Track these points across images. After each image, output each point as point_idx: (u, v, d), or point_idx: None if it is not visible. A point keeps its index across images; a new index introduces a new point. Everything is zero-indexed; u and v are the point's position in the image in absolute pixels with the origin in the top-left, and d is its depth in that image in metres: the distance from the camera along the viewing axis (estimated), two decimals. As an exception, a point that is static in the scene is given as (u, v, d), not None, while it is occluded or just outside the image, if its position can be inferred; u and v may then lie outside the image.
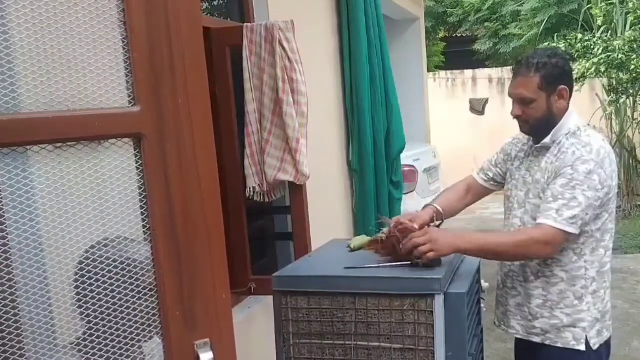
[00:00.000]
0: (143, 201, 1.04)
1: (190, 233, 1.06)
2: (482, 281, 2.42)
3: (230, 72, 2.97)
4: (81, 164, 0.99)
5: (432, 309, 1.90)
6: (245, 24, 2.90)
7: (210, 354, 1.08)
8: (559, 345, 2.10)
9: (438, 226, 2.24)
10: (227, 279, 1.11)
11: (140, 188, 1.03)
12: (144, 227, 1.04)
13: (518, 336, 2.23)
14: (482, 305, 2.37)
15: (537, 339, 2.15)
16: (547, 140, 2.11)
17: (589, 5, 9.44)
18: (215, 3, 3.62)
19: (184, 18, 1.03)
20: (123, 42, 1.00)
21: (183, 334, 1.06)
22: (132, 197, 1.04)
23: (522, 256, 2.08)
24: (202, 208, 1.07)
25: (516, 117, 2.13)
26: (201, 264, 1.07)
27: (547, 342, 2.12)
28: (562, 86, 2.07)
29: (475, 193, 2.44)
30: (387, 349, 1.92)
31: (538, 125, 2.11)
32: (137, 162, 1.03)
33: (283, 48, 2.78)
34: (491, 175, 2.38)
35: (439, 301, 1.91)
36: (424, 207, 2.31)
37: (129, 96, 1.01)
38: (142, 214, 1.04)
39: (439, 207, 2.28)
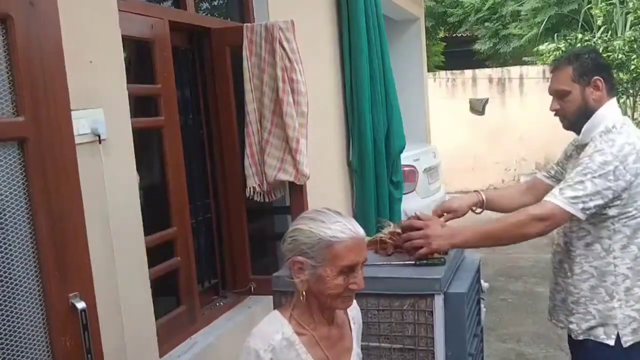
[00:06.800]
0: (26, 191, 1.41)
1: (63, 216, 1.48)
2: (482, 281, 2.42)
3: (231, 72, 2.97)
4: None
5: (432, 309, 1.90)
6: (245, 24, 2.90)
7: (82, 303, 1.50)
8: (591, 338, 2.08)
9: (479, 213, 2.43)
10: (87, 251, 1.55)
11: (24, 182, 1.41)
12: (28, 211, 1.41)
13: (565, 329, 2.22)
14: (482, 305, 2.37)
15: (574, 333, 2.14)
16: (584, 137, 2.13)
17: (589, 5, 9.44)
18: (215, 3, 3.62)
19: (50, 46, 1.46)
20: (8, 72, 1.38)
21: (60, 289, 1.48)
22: (17, 189, 1.40)
23: (520, 235, 2.05)
24: (71, 196, 1.51)
25: (554, 112, 2.18)
26: (71, 239, 1.50)
27: (579, 338, 2.11)
28: (596, 77, 2.10)
29: (537, 190, 2.43)
30: (387, 349, 1.92)
31: (576, 119, 2.14)
32: (21, 161, 1.41)
33: (283, 48, 2.78)
34: (553, 172, 2.41)
35: (438, 301, 1.91)
36: (473, 192, 2.45)
37: (14, 108, 1.39)
38: (27, 202, 1.41)
39: (483, 196, 2.41)
